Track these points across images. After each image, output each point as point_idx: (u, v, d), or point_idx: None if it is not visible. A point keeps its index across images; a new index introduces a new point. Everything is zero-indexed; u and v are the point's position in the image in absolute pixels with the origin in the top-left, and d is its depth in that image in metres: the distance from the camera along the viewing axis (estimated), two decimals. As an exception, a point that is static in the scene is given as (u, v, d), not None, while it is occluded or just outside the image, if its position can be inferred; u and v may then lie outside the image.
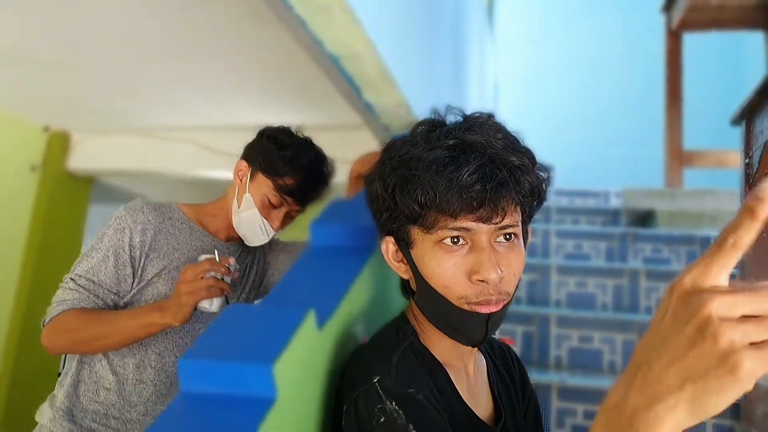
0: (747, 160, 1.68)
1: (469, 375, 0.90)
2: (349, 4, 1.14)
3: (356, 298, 1.05)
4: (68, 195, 4.08)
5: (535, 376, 1.82)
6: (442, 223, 0.78)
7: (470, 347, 0.86)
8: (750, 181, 1.69)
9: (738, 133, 1.84)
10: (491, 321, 0.79)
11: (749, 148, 1.66)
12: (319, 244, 1.16)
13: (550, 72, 4.97)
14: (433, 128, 0.82)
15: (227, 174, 4.31)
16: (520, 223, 0.81)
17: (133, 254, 1.23)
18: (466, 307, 0.78)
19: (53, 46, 2.64)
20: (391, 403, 0.75)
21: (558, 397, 1.76)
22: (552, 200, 3.35)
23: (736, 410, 1.72)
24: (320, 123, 3.47)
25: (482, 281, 0.77)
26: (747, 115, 1.64)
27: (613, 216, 2.96)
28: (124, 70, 2.92)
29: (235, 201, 1.34)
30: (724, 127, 1.78)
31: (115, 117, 3.67)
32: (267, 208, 1.32)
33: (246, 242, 1.35)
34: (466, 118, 0.84)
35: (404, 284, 0.92)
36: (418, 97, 1.74)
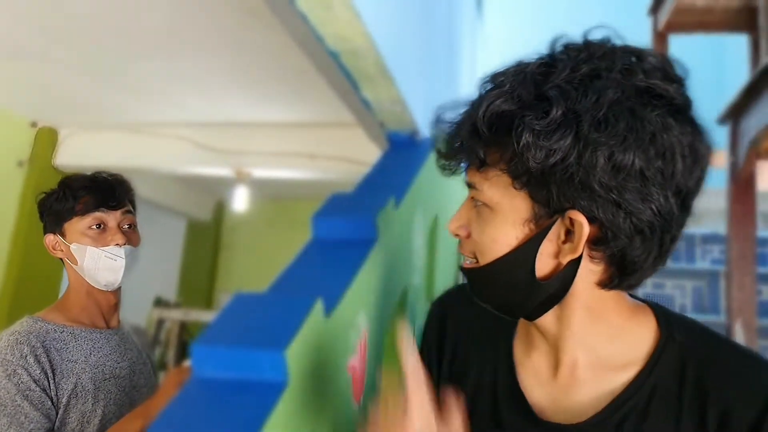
0: (733, 159, 1.73)
1: (558, 366, 0.75)
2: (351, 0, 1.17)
3: (359, 289, 1.07)
4: (55, 191, 4.05)
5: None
6: None
7: (544, 331, 0.74)
8: (736, 179, 1.74)
9: (723, 133, 1.89)
10: (465, 275, 0.76)
11: (735, 147, 1.71)
12: (321, 236, 1.18)
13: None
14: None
15: (217, 170, 4.30)
16: (497, 190, 0.68)
17: (42, 386, 1.14)
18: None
19: (42, 39, 2.62)
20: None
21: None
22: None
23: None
24: (312, 120, 3.48)
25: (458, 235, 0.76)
26: (733, 115, 1.69)
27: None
28: (115, 64, 2.91)
29: (71, 266, 1.28)
30: (709, 126, 1.82)
31: (104, 112, 3.65)
32: (97, 238, 1.26)
33: (113, 284, 1.27)
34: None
35: None
36: (413, 94, 1.77)
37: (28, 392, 1.11)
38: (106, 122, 3.83)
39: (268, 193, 4.71)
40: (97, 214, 1.26)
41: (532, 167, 0.63)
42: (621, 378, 0.71)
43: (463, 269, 0.75)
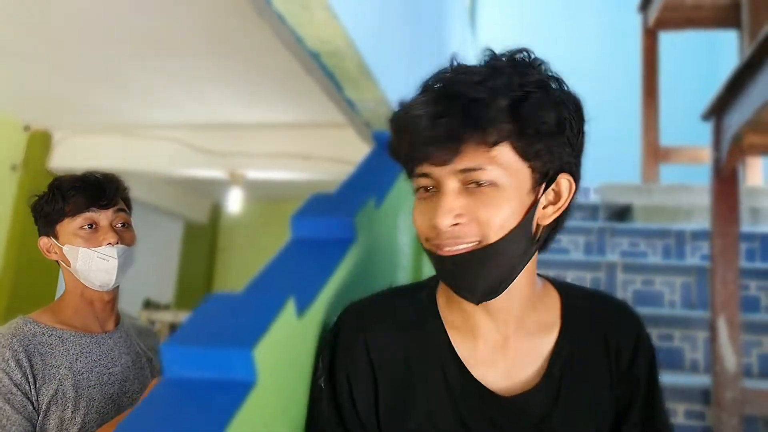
0: (716, 155, 1.74)
1: (495, 343, 0.82)
2: (328, 1, 1.17)
3: (336, 289, 1.08)
4: (49, 194, 4.06)
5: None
6: (414, 170, 0.77)
7: (493, 312, 0.81)
8: (719, 175, 1.75)
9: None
10: (457, 265, 0.75)
11: (718, 142, 1.71)
12: (300, 236, 1.19)
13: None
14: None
15: (211, 172, 4.31)
16: (506, 167, 0.72)
17: (24, 391, 1.13)
18: (433, 249, 0.77)
19: (34, 42, 2.63)
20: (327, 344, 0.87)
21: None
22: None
23: (706, 395, 1.77)
24: (305, 121, 3.49)
25: (434, 226, 0.74)
26: (716, 111, 1.70)
27: (592, 211, 3.02)
28: (107, 67, 2.92)
29: (66, 268, 1.27)
30: (699, 124, 1.84)
31: (97, 115, 3.66)
32: (89, 238, 1.24)
33: (107, 285, 1.26)
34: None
35: None
36: (398, 94, 1.77)
37: (9, 396, 1.11)
38: (99, 125, 3.84)
39: (263, 194, 4.73)
40: (88, 214, 1.24)
41: (540, 135, 0.72)
42: (547, 340, 0.83)
43: (449, 258, 0.75)
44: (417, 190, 0.79)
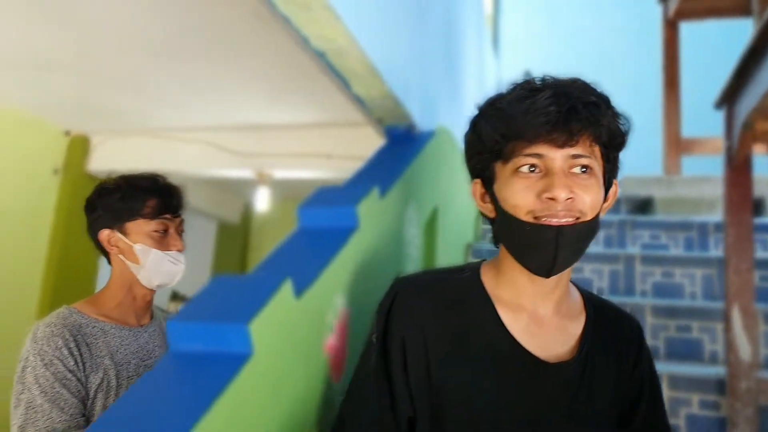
0: (728, 143, 1.73)
1: (539, 318, 0.93)
2: (328, 1, 1.23)
3: (338, 273, 1.13)
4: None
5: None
6: (518, 151, 0.86)
7: (543, 290, 0.91)
8: (731, 163, 1.74)
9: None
10: (561, 235, 0.83)
11: (730, 130, 1.70)
12: (306, 225, 1.25)
13: (555, 68, 5.03)
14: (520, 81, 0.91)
15: (238, 172, 4.41)
16: (597, 162, 0.86)
17: (77, 377, 1.18)
18: (533, 221, 0.84)
19: (72, 52, 2.76)
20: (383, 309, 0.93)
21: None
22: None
23: (721, 386, 1.76)
24: (325, 120, 3.56)
25: (551, 198, 0.82)
26: (727, 99, 1.69)
27: (614, 205, 3.00)
28: (138, 74, 3.04)
29: (129, 264, 1.31)
30: (721, 114, 1.82)
31: (130, 119, 3.80)
32: (159, 241, 1.30)
33: (166, 285, 1.31)
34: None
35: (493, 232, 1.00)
36: (405, 89, 1.82)
37: (65, 381, 1.16)
38: (133, 129, 3.99)
39: (292, 194, 4.81)
40: (163, 220, 1.30)
41: (617, 145, 0.89)
42: (576, 325, 0.95)
43: (563, 228, 0.84)
44: (516, 170, 0.87)
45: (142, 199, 1.30)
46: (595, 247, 2.63)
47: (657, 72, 3.25)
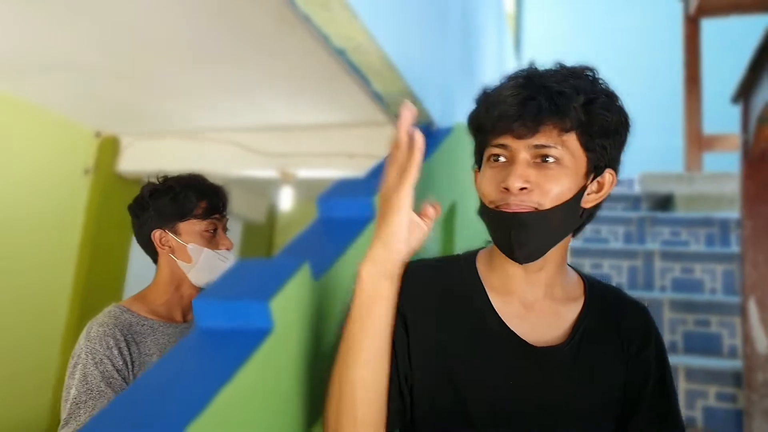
0: (745, 137, 1.73)
1: (526, 303, 0.96)
2: (347, 0, 1.28)
3: (355, 260, 1.18)
4: (118, 196, 4.36)
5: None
6: (489, 141, 0.92)
7: (528, 275, 0.95)
8: (748, 157, 1.74)
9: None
10: (515, 223, 0.88)
11: (746, 124, 1.71)
12: (325, 215, 1.31)
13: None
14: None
15: (263, 172, 4.51)
16: (569, 152, 0.88)
17: (123, 376, 1.23)
18: (495, 208, 0.91)
19: (102, 54, 2.87)
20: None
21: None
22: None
23: (737, 378, 1.76)
24: (347, 120, 3.62)
25: (505, 188, 0.88)
26: (743, 93, 1.70)
27: (633, 202, 3.00)
28: (166, 75, 3.14)
29: (181, 264, 1.36)
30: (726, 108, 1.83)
31: (159, 121, 3.91)
32: (210, 240, 1.37)
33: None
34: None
35: None
36: (424, 86, 1.86)
37: (111, 380, 1.21)
38: (161, 130, 4.11)
39: (316, 194, 4.91)
40: (213, 220, 1.39)
41: (601, 132, 0.89)
42: (571, 310, 0.97)
43: (516, 216, 0.89)
44: (488, 159, 0.93)
45: (194, 199, 1.37)
46: (614, 244, 2.64)
47: (678, 69, 3.24)
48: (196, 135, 4.09)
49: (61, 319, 3.85)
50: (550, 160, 0.88)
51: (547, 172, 0.88)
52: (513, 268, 0.95)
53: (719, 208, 2.74)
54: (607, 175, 0.93)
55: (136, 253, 4.46)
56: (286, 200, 4.27)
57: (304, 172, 4.11)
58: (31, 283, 3.66)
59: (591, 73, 0.93)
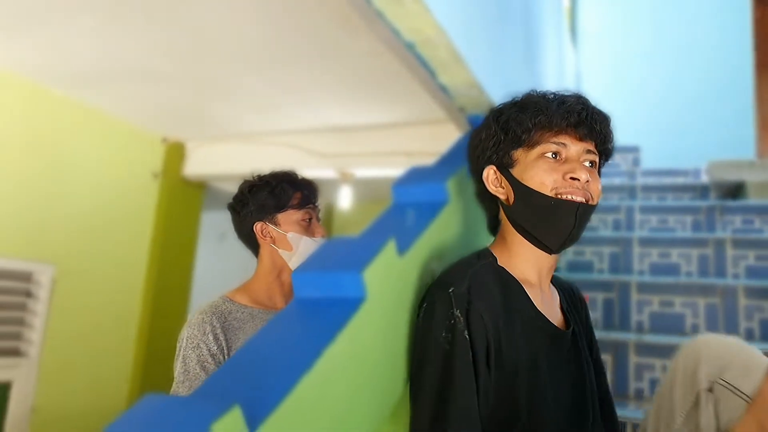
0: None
1: (544, 292, 1.10)
2: (419, -6, 1.34)
3: (432, 239, 1.23)
4: (185, 199, 4.56)
5: (614, 336, 1.91)
6: (545, 139, 1.03)
7: (547, 265, 1.09)
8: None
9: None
10: (580, 211, 1.00)
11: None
12: (400, 201, 1.36)
13: (638, 58, 4.91)
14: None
15: (322, 172, 4.61)
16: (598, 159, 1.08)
17: (217, 360, 1.29)
18: (556, 196, 1.01)
19: (167, 61, 3.02)
20: (457, 311, 0.95)
21: (636, 354, 1.84)
22: (638, 180, 3.35)
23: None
24: (404, 119, 3.68)
25: (574, 179, 1.01)
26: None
27: (701, 191, 2.93)
28: (228, 81, 3.28)
29: (282, 253, 1.44)
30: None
31: (222, 125, 4.08)
32: (306, 228, 1.45)
33: None
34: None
35: (491, 220, 1.18)
36: (489, 78, 1.90)
37: (205, 364, 1.29)
38: (224, 134, 4.27)
39: (372, 194, 4.97)
40: (308, 209, 1.49)
41: (606, 155, 1.10)
42: (555, 296, 1.14)
43: (582, 205, 1.02)
44: (541, 155, 1.04)
45: (290, 191, 1.47)
46: (682, 233, 2.59)
47: (747, 55, 3.14)
48: (256, 138, 4.24)
49: (135, 315, 4.06)
50: (592, 164, 1.05)
51: (593, 173, 1.03)
52: (535, 259, 1.07)
53: (794, 194, 2.64)
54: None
55: (201, 252, 4.62)
56: (345, 199, 4.36)
57: (362, 172, 4.20)
58: (107, 283, 3.88)
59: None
